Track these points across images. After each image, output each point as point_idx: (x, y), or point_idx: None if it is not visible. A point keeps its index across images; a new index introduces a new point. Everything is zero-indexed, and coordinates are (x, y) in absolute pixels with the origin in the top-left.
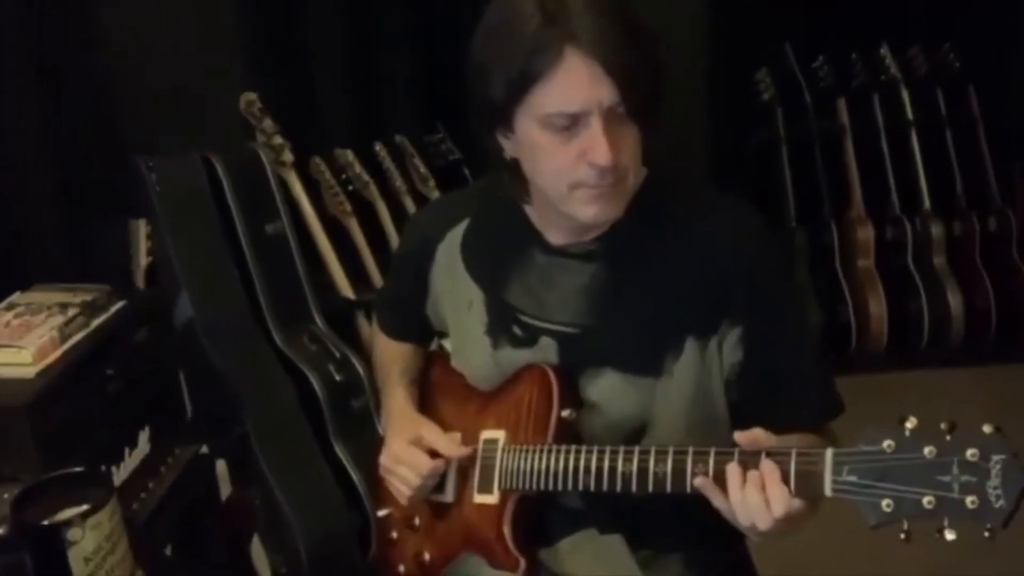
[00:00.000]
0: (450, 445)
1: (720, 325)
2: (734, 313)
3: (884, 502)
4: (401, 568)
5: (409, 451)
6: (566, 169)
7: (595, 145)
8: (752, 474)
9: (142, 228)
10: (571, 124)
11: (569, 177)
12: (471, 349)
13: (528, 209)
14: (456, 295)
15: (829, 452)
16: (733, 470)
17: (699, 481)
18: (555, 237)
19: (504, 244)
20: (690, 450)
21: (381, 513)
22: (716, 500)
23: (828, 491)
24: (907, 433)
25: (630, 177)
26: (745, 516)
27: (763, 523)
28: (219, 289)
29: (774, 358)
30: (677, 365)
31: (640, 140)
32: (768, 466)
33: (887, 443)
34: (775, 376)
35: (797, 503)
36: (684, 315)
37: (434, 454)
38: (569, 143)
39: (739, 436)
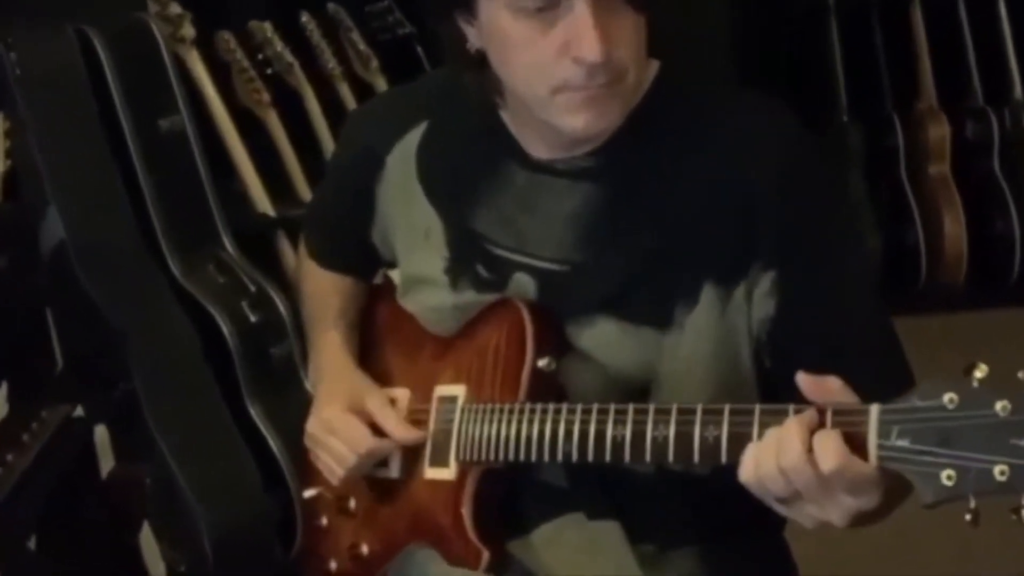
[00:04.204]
0: (399, 426)
1: (749, 269)
2: (766, 252)
3: (944, 473)
4: (332, 564)
5: (345, 420)
6: (545, 67)
7: (581, 34)
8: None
9: None
10: (548, 6)
11: (550, 77)
12: (427, 290)
13: (503, 113)
14: (410, 221)
15: (874, 409)
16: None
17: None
18: (538, 150)
19: (472, 157)
20: (698, 408)
21: (307, 494)
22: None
23: (872, 459)
24: (975, 384)
25: (629, 75)
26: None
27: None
28: (99, 203)
29: (816, 315)
30: (690, 317)
31: (643, 29)
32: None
33: (948, 397)
34: (817, 339)
35: (853, 464)
36: (700, 254)
37: (378, 430)
38: (548, 33)
39: (805, 380)
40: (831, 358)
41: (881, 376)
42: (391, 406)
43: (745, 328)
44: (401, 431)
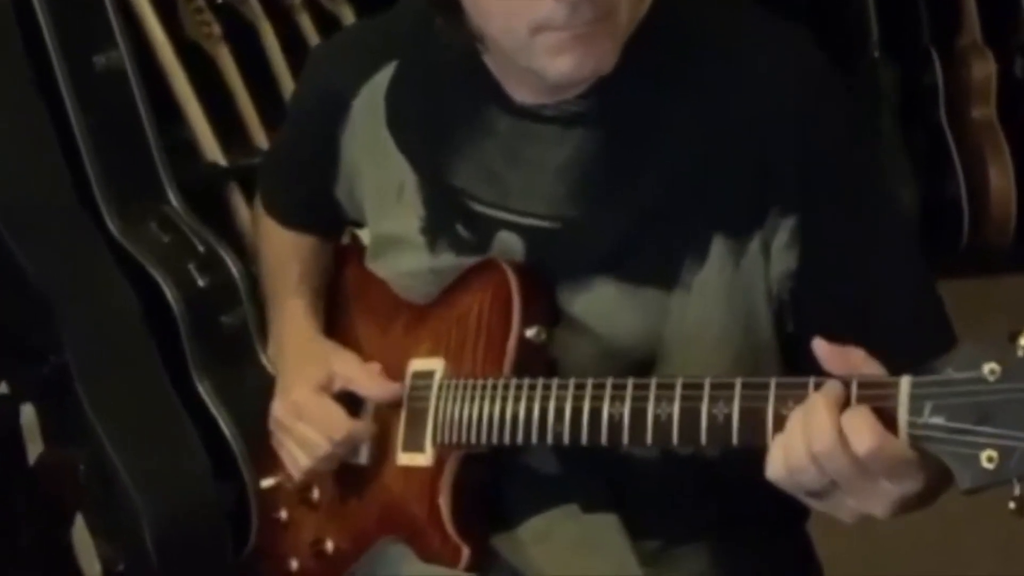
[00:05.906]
0: (372, 380)
1: (765, 216)
2: (785, 195)
3: (984, 455)
4: (293, 563)
5: (317, 402)
6: (522, 5)
7: None
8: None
9: None
10: None
11: (528, 17)
12: (400, 252)
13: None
14: (380, 175)
15: (905, 381)
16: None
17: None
18: (523, 94)
19: (449, 102)
20: (706, 382)
21: (265, 483)
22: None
23: (903, 439)
24: (1020, 353)
25: (620, 10)
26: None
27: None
28: (26, 151)
29: (845, 266)
30: (698, 275)
31: None
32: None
33: (989, 368)
34: (846, 295)
35: (890, 443)
36: (709, 203)
37: (350, 402)
38: None
39: (824, 349)
40: (863, 318)
41: (923, 341)
42: (361, 363)
43: (763, 286)
44: (376, 386)
